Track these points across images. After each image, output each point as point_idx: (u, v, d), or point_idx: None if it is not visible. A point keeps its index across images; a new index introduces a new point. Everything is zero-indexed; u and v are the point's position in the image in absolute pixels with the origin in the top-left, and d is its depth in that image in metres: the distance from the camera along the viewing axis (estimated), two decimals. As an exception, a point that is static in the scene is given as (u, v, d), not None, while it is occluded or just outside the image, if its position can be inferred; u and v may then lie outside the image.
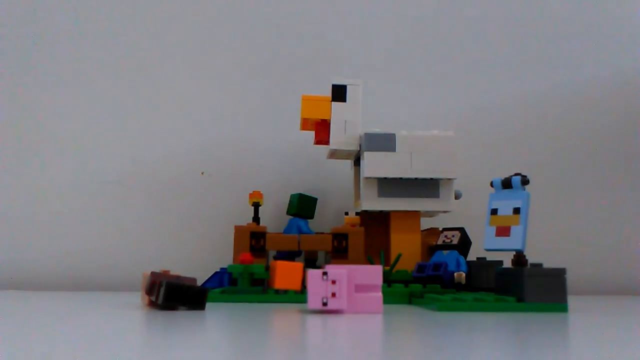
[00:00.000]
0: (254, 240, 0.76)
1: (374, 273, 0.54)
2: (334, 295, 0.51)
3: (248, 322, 0.47)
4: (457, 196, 0.80)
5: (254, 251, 0.76)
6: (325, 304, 0.51)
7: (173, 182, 0.93)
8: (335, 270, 0.52)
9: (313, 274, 0.52)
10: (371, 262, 0.73)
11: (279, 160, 0.94)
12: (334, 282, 0.51)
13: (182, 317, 0.50)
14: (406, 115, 0.96)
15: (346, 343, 0.38)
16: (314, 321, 0.47)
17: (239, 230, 0.76)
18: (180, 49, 0.97)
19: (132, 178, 0.93)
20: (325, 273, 0.52)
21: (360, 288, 0.53)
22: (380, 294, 0.54)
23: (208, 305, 0.57)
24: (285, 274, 0.66)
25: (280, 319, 0.50)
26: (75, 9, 0.97)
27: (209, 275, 0.75)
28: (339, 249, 0.76)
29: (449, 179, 0.77)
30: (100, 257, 0.90)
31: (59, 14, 0.97)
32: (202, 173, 0.93)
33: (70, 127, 0.94)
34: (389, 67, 0.98)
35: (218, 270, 0.75)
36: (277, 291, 0.67)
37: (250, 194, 0.84)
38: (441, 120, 0.94)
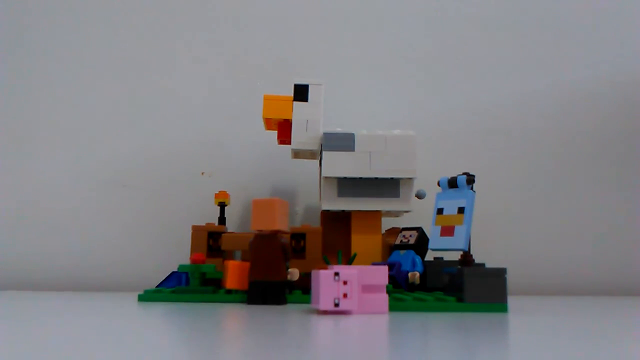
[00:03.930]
0: (211, 240, 0.77)
1: (380, 274, 0.54)
2: (345, 296, 0.51)
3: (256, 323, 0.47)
4: (421, 196, 0.79)
5: (212, 251, 0.76)
6: (337, 305, 0.51)
7: (170, 182, 0.94)
8: (347, 270, 0.52)
9: (324, 275, 0.51)
10: (327, 262, 0.72)
11: (250, 160, 0.95)
12: (345, 282, 0.51)
13: (183, 315, 0.50)
14: (397, 116, 0.95)
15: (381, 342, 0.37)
16: (325, 322, 0.46)
17: (196, 229, 0.76)
18: (174, 50, 0.98)
19: (130, 178, 0.94)
20: (337, 274, 0.51)
21: (367, 289, 0.53)
22: (386, 295, 0.54)
23: (191, 304, 0.58)
24: (237, 274, 0.66)
25: (289, 321, 0.49)
26: (75, 8, 0.98)
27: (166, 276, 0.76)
28: (297, 248, 0.76)
29: (409, 179, 0.76)
30: (100, 257, 0.91)
31: (56, 12, 0.98)
32: (203, 173, 0.93)
33: (70, 127, 0.95)
34: (381, 68, 0.98)
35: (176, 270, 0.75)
36: (228, 291, 0.68)
37: (215, 194, 0.84)
38: (436, 121, 0.95)
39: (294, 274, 0.65)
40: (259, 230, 0.64)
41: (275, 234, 0.64)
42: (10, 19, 0.98)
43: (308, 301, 0.60)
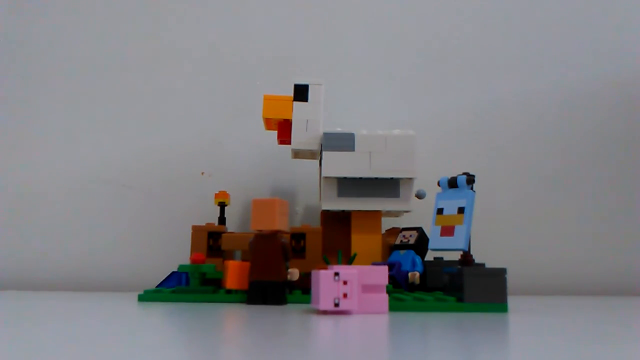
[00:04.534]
0: (211, 240, 0.77)
1: (380, 273, 0.53)
2: (345, 296, 0.51)
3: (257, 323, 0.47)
4: (422, 196, 0.79)
5: (212, 251, 0.76)
6: (337, 305, 0.51)
7: (170, 182, 0.93)
8: (347, 270, 0.52)
9: (324, 275, 0.51)
10: (327, 262, 0.72)
11: (251, 160, 0.95)
12: (345, 282, 0.51)
13: (182, 315, 0.51)
14: (397, 116, 0.95)
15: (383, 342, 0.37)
16: (325, 322, 0.46)
17: (196, 230, 0.76)
18: (174, 50, 0.98)
19: (130, 178, 0.94)
20: (337, 274, 0.51)
21: (366, 288, 0.53)
22: (386, 295, 0.54)
23: (191, 304, 0.59)
24: (237, 273, 0.66)
25: (289, 321, 0.48)
26: (75, 7, 0.98)
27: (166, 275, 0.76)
28: (297, 248, 0.76)
29: (409, 179, 0.76)
30: (100, 257, 0.91)
31: (55, 12, 0.98)
32: (203, 173, 0.93)
33: (70, 127, 0.95)
34: (381, 68, 0.98)
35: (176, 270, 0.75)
36: (228, 291, 0.67)
37: (215, 194, 0.84)
38: (436, 121, 0.95)
39: (294, 274, 0.65)
40: (258, 230, 0.64)
41: (275, 234, 0.64)
42: (10, 19, 0.98)
43: (308, 301, 0.60)
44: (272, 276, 0.63)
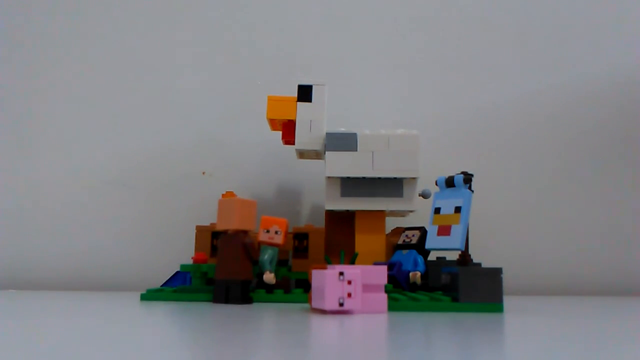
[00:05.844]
0: (215, 240, 0.77)
1: (379, 273, 0.54)
2: (349, 295, 0.51)
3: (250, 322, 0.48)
4: (426, 195, 0.79)
5: (216, 250, 0.77)
6: (341, 305, 0.51)
7: (172, 182, 0.95)
8: (351, 270, 0.52)
9: (330, 275, 0.51)
10: (328, 262, 0.72)
11: (256, 160, 0.95)
12: (349, 282, 0.51)
13: (184, 315, 0.51)
14: (400, 116, 0.95)
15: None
16: (325, 322, 0.46)
17: (200, 230, 0.77)
18: (175, 49, 0.99)
19: (131, 177, 0.95)
20: (341, 273, 0.51)
21: (367, 288, 0.53)
22: (385, 294, 0.54)
23: (193, 304, 0.61)
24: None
25: (290, 321, 0.48)
26: (75, 8, 1.00)
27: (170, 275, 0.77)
28: (300, 248, 0.76)
29: (413, 178, 0.76)
30: (104, 256, 0.92)
31: (55, 12, 1.00)
32: (204, 173, 0.94)
33: (72, 127, 0.97)
34: (383, 68, 0.98)
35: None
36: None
37: (222, 195, 0.84)
38: (437, 121, 0.95)
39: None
40: (224, 230, 0.65)
41: (238, 233, 0.64)
42: (10, 19, 1.00)
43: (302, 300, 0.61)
44: (234, 275, 0.63)
